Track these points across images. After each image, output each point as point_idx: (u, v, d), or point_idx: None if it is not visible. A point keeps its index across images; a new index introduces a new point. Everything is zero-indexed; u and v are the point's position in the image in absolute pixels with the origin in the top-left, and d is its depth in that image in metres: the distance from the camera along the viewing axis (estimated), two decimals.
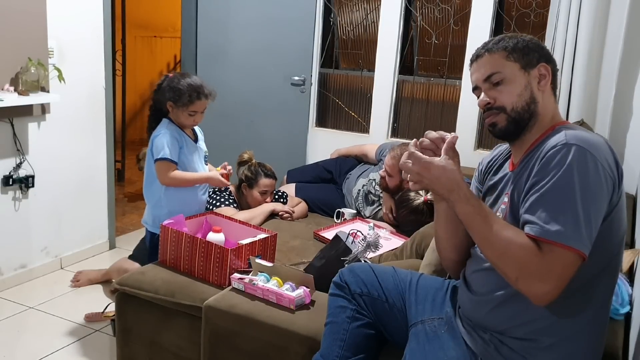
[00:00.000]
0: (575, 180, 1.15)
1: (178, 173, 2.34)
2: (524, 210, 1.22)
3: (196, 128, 2.52)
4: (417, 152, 1.28)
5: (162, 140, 2.31)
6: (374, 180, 3.05)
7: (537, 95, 1.33)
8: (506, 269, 1.20)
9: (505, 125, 1.33)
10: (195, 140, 2.49)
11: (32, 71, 2.76)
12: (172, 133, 2.35)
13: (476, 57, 1.38)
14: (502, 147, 1.52)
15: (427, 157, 1.27)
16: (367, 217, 3.03)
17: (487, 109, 1.35)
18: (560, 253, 1.14)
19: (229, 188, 3.00)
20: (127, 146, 5.28)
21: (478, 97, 1.37)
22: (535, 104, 1.32)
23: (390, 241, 2.64)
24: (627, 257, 1.85)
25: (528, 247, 1.16)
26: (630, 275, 1.88)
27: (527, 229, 1.19)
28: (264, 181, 2.93)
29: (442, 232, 1.51)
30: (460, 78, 3.47)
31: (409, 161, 1.28)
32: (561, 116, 1.40)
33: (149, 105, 2.48)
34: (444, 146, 1.29)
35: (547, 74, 1.33)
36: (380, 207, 3.01)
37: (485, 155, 1.58)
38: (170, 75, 2.41)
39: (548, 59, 1.35)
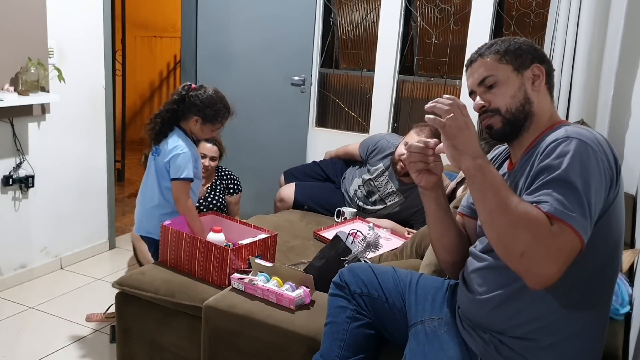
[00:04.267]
0: (577, 170, 1.15)
1: (194, 210, 2.31)
2: (528, 193, 1.21)
3: None
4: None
5: (186, 161, 2.27)
6: (370, 180, 3.05)
7: (532, 95, 1.34)
8: (515, 240, 1.14)
9: (501, 127, 1.34)
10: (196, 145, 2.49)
11: (32, 71, 2.76)
12: (191, 151, 2.32)
13: (470, 62, 1.40)
14: (501, 147, 1.52)
15: None
16: (368, 209, 3.05)
17: (482, 112, 1.37)
18: (569, 234, 1.13)
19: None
20: (127, 146, 5.28)
21: (474, 102, 1.38)
22: (530, 104, 1.33)
23: (390, 241, 2.64)
24: (627, 257, 1.85)
25: (543, 221, 1.13)
26: (630, 275, 1.88)
27: (537, 205, 1.16)
28: (202, 144, 3.02)
29: (433, 233, 1.52)
30: (460, 78, 3.47)
31: (454, 116, 1.23)
32: (559, 116, 1.40)
33: (164, 111, 2.35)
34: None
35: (540, 74, 1.34)
36: (384, 206, 3.02)
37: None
38: (192, 86, 2.35)
39: (541, 59, 1.36)
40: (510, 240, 1.16)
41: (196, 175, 2.39)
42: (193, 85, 2.36)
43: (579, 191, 1.14)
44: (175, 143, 2.29)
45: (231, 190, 3.27)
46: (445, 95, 1.26)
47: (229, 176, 3.28)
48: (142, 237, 2.46)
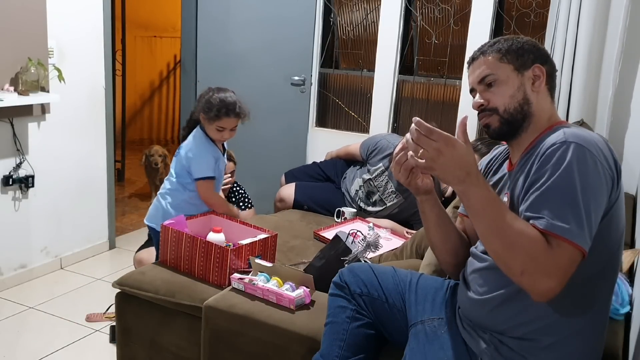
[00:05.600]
0: (575, 177, 1.15)
1: (222, 199, 2.44)
2: (525, 208, 1.21)
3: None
4: (437, 129, 1.19)
5: (203, 162, 2.36)
6: (370, 180, 3.05)
7: (531, 96, 1.33)
8: (513, 261, 1.16)
9: (499, 127, 1.35)
10: (224, 152, 2.51)
11: (32, 71, 2.77)
12: (211, 152, 2.39)
13: (472, 59, 1.40)
14: (501, 147, 1.52)
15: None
16: (369, 209, 3.05)
17: (481, 110, 1.36)
18: (567, 248, 1.13)
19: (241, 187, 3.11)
20: (127, 146, 5.29)
21: (474, 99, 1.38)
22: (529, 104, 1.33)
23: (390, 241, 2.64)
24: (627, 257, 1.85)
25: (538, 240, 1.14)
26: (630, 275, 1.88)
27: (533, 222, 1.17)
28: None
29: (435, 239, 1.52)
30: (460, 78, 3.47)
31: (424, 150, 1.18)
32: (559, 117, 1.40)
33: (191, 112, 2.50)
34: (459, 129, 1.25)
35: (541, 75, 1.34)
36: (384, 207, 3.02)
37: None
38: (213, 87, 2.44)
39: (544, 60, 1.36)
40: (508, 260, 1.17)
41: (217, 177, 2.43)
42: (213, 87, 2.44)
43: (576, 199, 1.14)
44: (188, 142, 2.41)
45: (242, 207, 3.12)
46: (413, 124, 1.19)
47: (238, 192, 3.16)
48: (148, 227, 2.53)
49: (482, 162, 1.55)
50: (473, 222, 1.23)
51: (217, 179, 2.47)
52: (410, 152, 1.22)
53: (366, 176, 3.08)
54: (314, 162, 3.51)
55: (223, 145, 2.53)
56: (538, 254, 1.14)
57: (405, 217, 3.01)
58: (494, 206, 1.18)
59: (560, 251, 1.13)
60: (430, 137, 1.17)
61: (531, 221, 1.17)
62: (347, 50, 3.95)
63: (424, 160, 1.18)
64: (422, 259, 1.98)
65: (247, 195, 3.17)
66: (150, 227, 2.53)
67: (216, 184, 2.48)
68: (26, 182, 2.99)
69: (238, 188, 3.18)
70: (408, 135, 1.22)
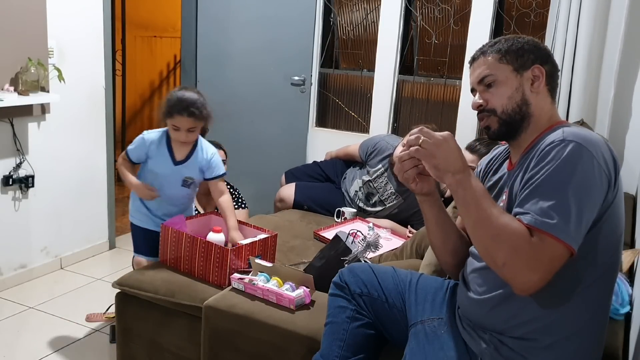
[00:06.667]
0: (569, 175, 1.15)
1: (121, 168, 2.38)
2: (517, 204, 1.23)
3: (202, 152, 2.33)
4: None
5: (134, 144, 2.35)
6: (370, 182, 3.05)
7: (530, 97, 1.33)
8: (496, 252, 1.18)
9: (498, 128, 1.36)
10: (181, 162, 2.29)
11: (32, 71, 2.77)
12: (148, 140, 2.31)
13: (473, 59, 1.41)
14: (501, 147, 1.53)
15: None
16: (368, 210, 3.06)
17: (480, 111, 1.37)
18: (549, 243, 1.14)
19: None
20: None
21: (473, 100, 1.39)
22: (527, 105, 1.33)
23: (390, 241, 2.64)
24: (627, 257, 1.85)
25: (521, 232, 1.16)
26: (630, 275, 1.88)
27: (519, 216, 1.19)
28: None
29: (435, 239, 1.52)
30: (460, 78, 3.47)
31: (425, 138, 1.27)
32: (560, 117, 1.40)
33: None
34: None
35: (540, 75, 1.34)
36: (383, 208, 3.02)
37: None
38: (182, 86, 2.35)
39: (544, 60, 1.36)
40: (492, 251, 1.20)
41: (145, 173, 2.34)
42: (180, 87, 2.37)
43: (565, 196, 1.15)
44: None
45: (235, 207, 3.03)
46: (413, 131, 1.29)
47: (231, 193, 3.04)
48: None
49: (482, 162, 1.56)
50: (463, 214, 1.27)
51: (153, 182, 2.31)
52: (408, 150, 1.28)
53: (365, 177, 3.08)
54: (314, 162, 3.51)
55: (190, 153, 2.30)
56: (520, 247, 1.15)
57: (405, 217, 3.01)
58: (484, 198, 1.23)
59: (543, 246, 1.15)
60: (432, 131, 1.27)
61: (518, 216, 1.19)
62: (347, 50, 3.95)
63: (418, 147, 1.27)
64: (422, 259, 1.98)
65: (241, 196, 3.15)
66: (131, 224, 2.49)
67: (163, 187, 2.32)
68: (26, 182, 2.99)
69: (231, 189, 3.11)
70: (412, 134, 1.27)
